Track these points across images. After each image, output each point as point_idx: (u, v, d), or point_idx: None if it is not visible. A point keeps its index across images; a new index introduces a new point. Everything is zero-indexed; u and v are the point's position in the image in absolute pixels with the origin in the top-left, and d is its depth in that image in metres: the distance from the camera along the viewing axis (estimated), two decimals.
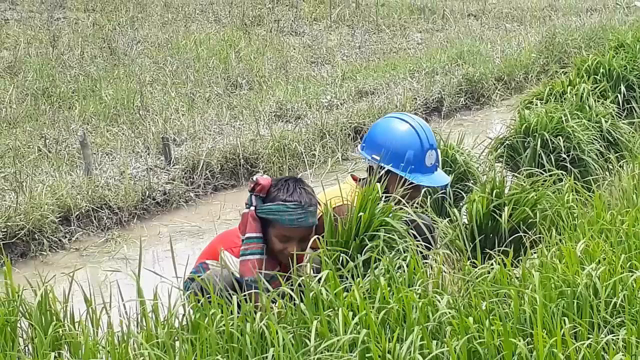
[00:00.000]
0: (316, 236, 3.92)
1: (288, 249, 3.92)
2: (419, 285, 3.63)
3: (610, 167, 6.25)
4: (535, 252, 4.35)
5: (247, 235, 3.93)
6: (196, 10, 14.09)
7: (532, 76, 11.17)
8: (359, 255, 3.86)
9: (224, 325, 3.36)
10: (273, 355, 3.24)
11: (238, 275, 3.86)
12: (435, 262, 3.99)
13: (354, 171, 5.84)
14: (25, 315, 3.70)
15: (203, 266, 3.96)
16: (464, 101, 10.33)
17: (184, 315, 3.54)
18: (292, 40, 12.68)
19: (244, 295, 3.55)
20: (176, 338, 3.43)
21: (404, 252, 3.86)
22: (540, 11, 15.24)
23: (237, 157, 7.82)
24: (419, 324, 3.31)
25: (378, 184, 4.07)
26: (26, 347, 3.71)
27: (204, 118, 8.64)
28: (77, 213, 6.71)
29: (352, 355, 3.21)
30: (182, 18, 13.45)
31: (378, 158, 4.47)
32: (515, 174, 5.89)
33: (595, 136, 6.49)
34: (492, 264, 3.85)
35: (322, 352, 3.22)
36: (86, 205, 6.76)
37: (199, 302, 3.49)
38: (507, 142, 6.45)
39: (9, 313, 3.66)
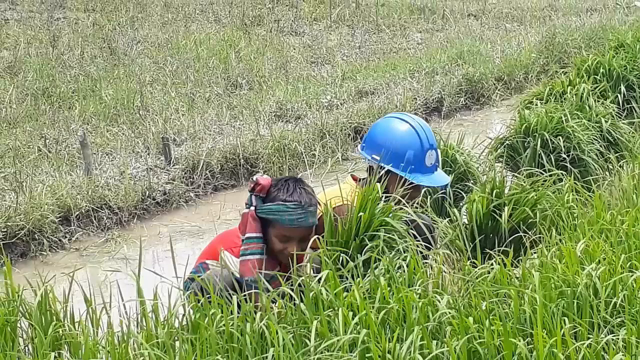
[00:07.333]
0: (316, 236, 3.92)
1: (288, 249, 3.92)
2: (419, 285, 3.63)
3: (610, 167, 6.25)
4: (535, 252, 4.35)
5: (247, 235, 3.93)
6: (196, 10, 14.09)
7: (532, 76, 11.16)
8: (359, 255, 3.86)
9: (224, 325, 3.35)
10: (273, 355, 3.24)
11: (238, 275, 3.85)
12: (435, 262, 3.99)
13: (354, 171, 5.84)
14: (25, 315, 3.70)
15: (203, 266, 3.96)
16: (464, 101, 10.33)
17: (184, 315, 3.54)
18: (292, 40, 12.68)
19: (244, 295, 3.55)
20: (176, 338, 3.42)
21: (404, 252, 3.86)
22: (540, 11, 15.23)
23: (237, 157, 7.82)
24: (419, 324, 3.31)
25: (378, 184, 4.07)
26: (26, 347, 3.71)
27: (204, 118, 8.64)
28: (77, 213, 6.70)
29: (352, 355, 3.21)
30: (182, 18, 13.45)
31: (378, 158, 4.47)
32: (515, 174, 5.88)
33: (595, 136, 6.48)
34: (492, 264, 3.85)
35: (322, 352, 3.22)
36: (86, 205, 6.75)
37: (199, 302, 3.49)
38: (507, 142, 6.45)
39: (9, 313, 3.66)
